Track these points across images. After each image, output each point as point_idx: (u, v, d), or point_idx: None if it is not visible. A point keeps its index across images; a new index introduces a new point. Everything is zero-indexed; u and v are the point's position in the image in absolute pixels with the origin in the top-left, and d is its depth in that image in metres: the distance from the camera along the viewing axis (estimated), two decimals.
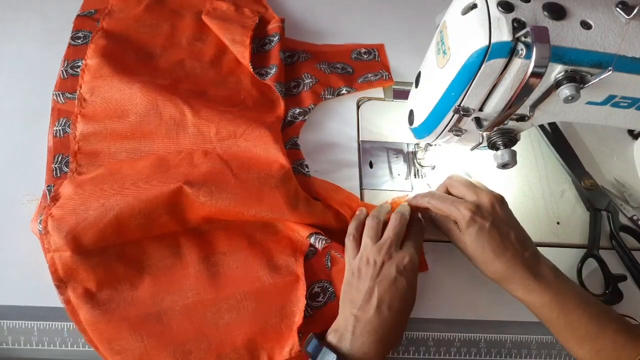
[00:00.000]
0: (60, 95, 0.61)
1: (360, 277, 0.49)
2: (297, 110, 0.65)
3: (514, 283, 0.49)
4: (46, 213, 0.49)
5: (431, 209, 0.53)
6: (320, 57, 0.71)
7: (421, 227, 0.55)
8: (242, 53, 0.66)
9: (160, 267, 0.52)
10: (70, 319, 0.48)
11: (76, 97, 0.59)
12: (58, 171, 0.56)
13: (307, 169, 0.60)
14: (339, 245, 0.54)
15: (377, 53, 0.73)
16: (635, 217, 0.62)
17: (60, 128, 0.59)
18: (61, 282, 0.49)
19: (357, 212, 0.56)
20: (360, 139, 0.65)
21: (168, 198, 0.50)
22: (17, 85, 0.63)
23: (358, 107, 0.68)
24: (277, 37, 0.69)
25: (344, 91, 0.68)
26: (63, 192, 0.51)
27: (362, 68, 0.71)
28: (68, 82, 0.62)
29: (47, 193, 0.52)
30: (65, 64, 0.63)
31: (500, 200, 0.52)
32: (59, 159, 0.57)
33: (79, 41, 0.66)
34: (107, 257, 0.50)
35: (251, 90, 0.65)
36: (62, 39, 0.67)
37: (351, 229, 0.54)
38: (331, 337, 0.47)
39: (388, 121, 0.67)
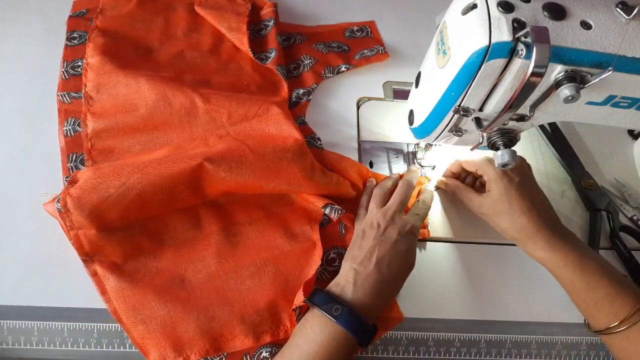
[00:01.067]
0: (66, 95, 0.61)
1: (364, 237, 0.52)
2: (301, 91, 0.67)
3: (540, 241, 0.50)
4: (64, 193, 0.50)
5: (463, 165, 0.58)
6: (316, 38, 0.73)
7: (428, 197, 0.58)
8: (240, 40, 0.67)
9: (182, 239, 0.53)
10: (97, 289, 0.49)
11: (82, 95, 0.60)
12: (74, 169, 0.56)
13: (319, 142, 0.62)
14: (353, 217, 0.56)
15: (369, 30, 0.75)
16: (635, 217, 0.62)
17: (70, 127, 0.59)
18: (87, 257, 0.50)
19: (368, 184, 0.60)
20: (360, 139, 0.65)
21: (189, 174, 0.51)
22: (17, 85, 0.63)
23: (358, 107, 0.68)
24: (272, 22, 0.71)
25: (343, 68, 0.70)
26: (81, 176, 0.52)
27: (357, 45, 0.73)
28: (71, 82, 0.62)
29: (65, 182, 0.52)
30: (65, 65, 0.64)
31: (526, 163, 0.55)
32: (74, 158, 0.57)
33: (75, 41, 0.66)
34: (131, 232, 0.52)
35: (253, 75, 0.67)
36: (62, 39, 0.67)
37: (363, 200, 0.58)
38: (333, 289, 0.49)
39: (388, 121, 0.67)
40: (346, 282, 0.48)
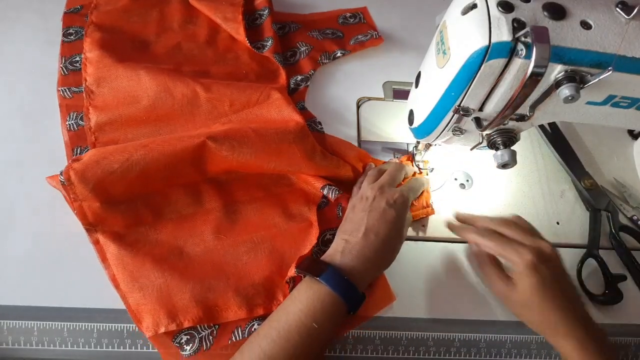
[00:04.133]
0: (67, 90, 0.61)
1: (354, 211, 0.53)
2: (299, 77, 0.67)
3: (572, 340, 0.47)
4: (67, 167, 0.50)
5: (481, 246, 0.51)
6: (310, 25, 0.74)
7: (424, 179, 0.59)
8: (236, 29, 0.67)
9: (183, 214, 0.55)
10: (98, 256, 0.51)
11: (83, 90, 0.60)
12: None
13: (320, 126, 0.63)
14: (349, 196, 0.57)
15: (362, 16, 0.76)
16: (635, 217, 0.62)
17: (72, 122, 0.59)
18: (90, 226, 0.51)
19: (367, 167, 0.60)
20: (360, 139, 0.65)
21: (192, 152, 0.52)
22: (17, 85, 0.63)
23: (358, 107, 0.68)
24: (266, 11, 0.71)
25: (339, 54, 0.71)
26: (85, 155, 0.52)
27: (351, 31, 0.74)
28: (70, 78, 0.63)
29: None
30: (63, 61, 0.64)
31: (557, 253, 0.50)
32: (78, 151, 0.58)
33: (72, 37, 0.66)
34: (133, 204, 0.53)
35: (251, 64, 0.67)
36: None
37: (360, 179, 0.58)
38: (324, 259, 0.49)
39: (388, 121, 0.67)
40: (335, 251, 0.49)
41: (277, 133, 0.55)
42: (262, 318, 0.49)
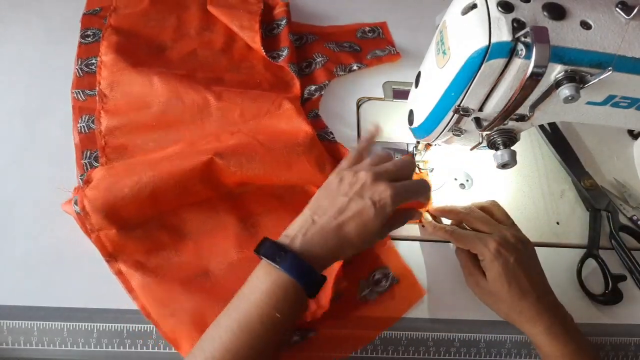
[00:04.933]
0: (80, 92, 0.61)
1: (339, 186, 0.47)
2: (313, 87, 0.67)
3: (540, 326, 0.48)
4: (80, 195, 0.50)
5: (453, 242, 0.53)
6: (328, 37, 0.73)
7: (424, 186, 0.51)
8: (252, 38, 0.67)
9: (201, 232, 0.54)
10: (124, 287, 0.50)
11: (96, 93, 0.60)
12: (88, 166, 0.57)
13: (331, 136, 0.62)
14: None
15: (381, 31, 0.75)
16: (635, 217, 0.62)
17: (84, 124, 0.59)
18: (111, 257, 0.51)
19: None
20: (360, 139, 0.65)
21: (201, 169, 0.52)
22: (17, 85, 0.63)
23: (358, 107, 0.68)
24: (284, 21, 0.71)
25: (355, 67, 0.70)
26: (95, 175, 0.52)
27: (369, 45, 0.73)
28: (85, 80, 0.63)
29: (80, 180, 0.53)
30: (79, 62, 0.64)
31: (523, 239, 0.51)
32: (88, 155, 0.57)
33: (89, 39, 0.67)
34: (149, 228, 0.53)
35: (265, 73, 0.67)
36: (62, 39, 0.67)
37: (359, 144, 0.53)
38: (282, 239, 0.46)
39: (388, 121, 0.67)
40: (298, 231, 0.45)
41: (285, 146, 0.54)
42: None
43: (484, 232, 0.52)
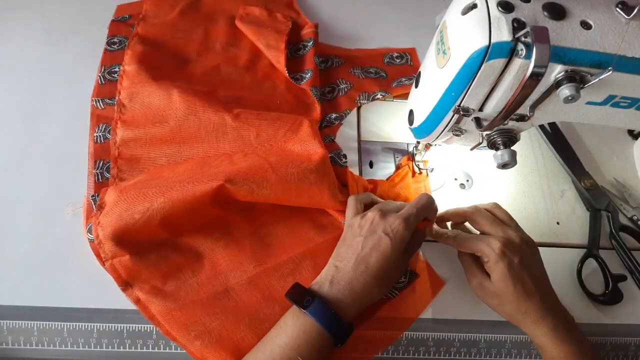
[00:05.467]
0: (100, 101, 0.61)
1: (352, 231, 0.50)
2: (333, 116, 0.66)
3: (544, 327, 0.48)
4: (95, 222, 0.50)
5: (456, 247, 0.53)
6: (353, 61, 0.72)
7: (429, 202, 0.52)
8: (277, 58, 0.66)
9: (215, 249, 0.53)
10: (144, 315, 0.49)
11: (115, 103, 0.60)
12: (100, 177, 0.56)
13: (344, 160, 0.61)
14: None
15: (409, 57, 0.73)
16: (635, 217, 0.62)
17: (100, 134, 0.59)
18: (127, 285, 0.50)
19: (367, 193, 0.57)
20: (360, 139, 0.65)
21: (212, 195, 0.51)
22: (17, 85, 0.63)
23: (358, 107, 0.68)
24: (311, 42, 0.70)
25: (379, 95, 0.68)
26: (108, 199, 0.52)
27: (396, 72, 0.71)
28: (106, 88, 0.62)
29: (93, 202, 0.52)
30: (103, 70, 0.64)
31: (527, 240, 0.51)
32: (100, 165, 0.57)
33: (115, 47, 0.66)
34: (163, 252, 0.52)
35: (287, 95, 0.66)
36: (62, 39, 0.67)
37: (358, 194, 0.56)
38: (312, 286, 0.48)
39: (388, 121, 0.67)
40: (325, 279, 0.48)
41: (298, 172, 0.53)
42: None
43: (488, 232, 0.52)
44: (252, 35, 0.69)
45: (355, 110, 0.67)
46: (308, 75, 0.66)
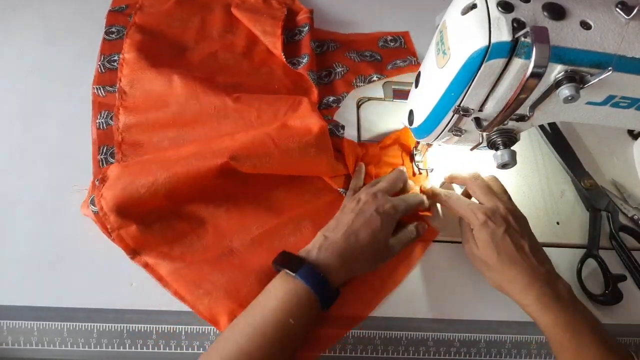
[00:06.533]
0: (101, 88, 0.62)
1: (344, 211, 0.54)
2: (331, 99, 0.67)
3: (530, 296, 0.48)
4: (97, 195, 0.51)
5: (446, 207, 0.55)
6: (349, 46, 0.73)
7: (419, 198, 0.57)
8: (273, 43, 0.67)
9: (217, 215, 0.55)
10: (153, 277, 0.51)
11: (116, 90, 0.61)
12: (104, 162, 0.57)
13: (341, 131, 0.62)
14: None
15: (403, 40, 0.75)
16: (635, 217, 0.62)
17: (102, 120, 0.60)
18: (135, 254, 0.51)
19: (357, 168, 0.60)
20: (360, 139, 0.65)
21: (216, 170, 0.52)
22: (17, 85, 0.63)
23: (358, 107, 0.68)
24: (307, 28, 0.71)
25: (374, 78, 0.69)
26: (110, 173, 0.53)
27: (390, 55, 0.73)
28: (106, 76, 0.63)
29: (97, 183, 0.53)
30: (102, 59, 0.65)
31: (515, 213, 0.52)
32: (104, 150, 0.58)
33: (113, 36, 0.67)
34: (167, 220, 0.53)
35: (284, 80, 0.67)
36: (62, 39, 0.67)
37: (352, 184, 0.59)
38: (301, 253, 0.50)
39: (388, 121, 0.67)
40: (312, 247, 0.50)
41: (299, 148, 0.54)
42: None
43: (480, 201, 0.54)
44: (248, 22, 0.70)
45: (355, 110, 0.67)
46: (305, 60, 0.67)
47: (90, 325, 0.50)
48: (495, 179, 0.57)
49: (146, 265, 0.51)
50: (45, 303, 0.50)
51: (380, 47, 0.74)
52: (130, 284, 0.52)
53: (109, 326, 0.50)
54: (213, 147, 0.55)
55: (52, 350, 0.49)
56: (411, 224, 0.56)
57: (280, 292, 0.46)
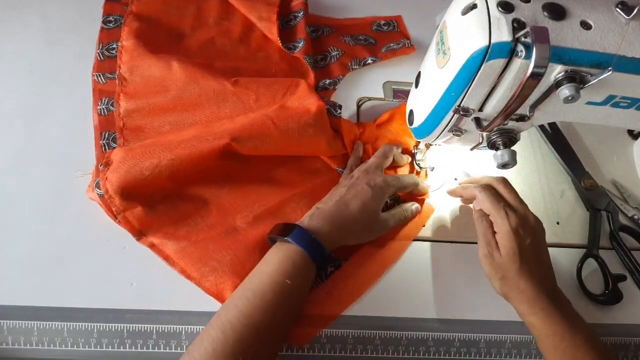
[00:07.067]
0: (101, 75, 0.63)
1: (338, 186, 0.56)
2: (327, 81, 0.68)
3: (535, 307, 0.48)
4: (102, 178, 0.51)
5: (476, 202, 0.55)
6: (344, 30, 0.75)
7: (411, 178, 0.59)
8: (269, 29, 0.68)
9: (220, 195, 0.56)
10: (159, 256, 0.52)
11: (116, 76, 0.62)
12: (106, 147, 0.58)
13: (338, 111, 0.62)
14: None
15: (396, 24, 0.76)
16: (635, 217, 0.62)
17: (103, 107, 0.61)
18: (140, 235, 0.53)
19: (355, 146, 0.62)
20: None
21: (218, 152, 0.54)
22: (17, 85, 0.63)
23: (358, 107, 0.68)
24: (301, 13, 0.72)
25: (369, 60, 0.71)
26: (114, 157, 0.53)
27: (384, 38, 0.74)
28: (105, 64, 0.64)
29: (100, 168, 0.54)
30: (101, 47, 0.66)
31: (540, 223, 0.52)
32: (106, 136, 0.59)
33: (111, 25, 0.68)
34: (171, 202, 0.55)
35: (281, 64, 0.68)
36: (62, 39, 0.67)
37: (350, 162, 0.61)
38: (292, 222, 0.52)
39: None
40: (305, 217, 0.52)
41: (298, 128, 0.56)
42: None
43: (507, 202, 0.53)
44: (244, 9, 0.71)
45: (355, 109, 0.67)
46: (300, 44, 0.68)
47: (90, 325, 0.50)
48: (505, 183, 0.55)
49: (152, 246, 0.52)
50: (45, 303, 0.50)
51: (374, 31, 0.76)
52: (130, 284, 0.52)
53: (109, 326, 0.50)
54: (214, 130, 0.56)
55: (52, 350, 0.49)
56: (408, 203, 0.58)
57: (275, 257, 0.48)
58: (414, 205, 0.58)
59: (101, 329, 0.50)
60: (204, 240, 0.52)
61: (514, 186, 0.55)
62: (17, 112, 0.61)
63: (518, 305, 0.50)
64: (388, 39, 0.74)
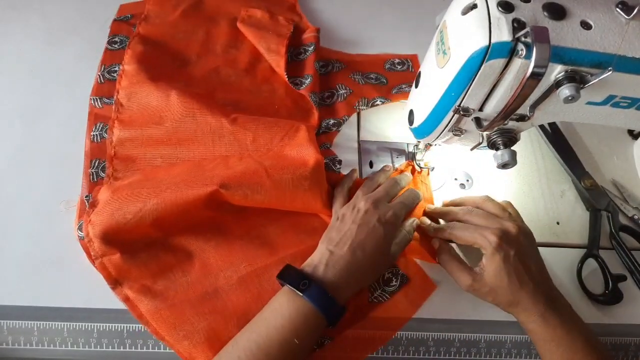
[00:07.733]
0: (98, 100, 0.61)
1: (344, 220, 0.52)
2: (331, 122, 0.65)
3: (534, 314, 0.48)
4: (85, 219, 0.50)
5: (454, 240, 0.54)
6: (354, 67, 0.71)
7: (415, 195, 0.57)
8: (277, 62, 0.66)
9: (206, 249, 0.53)
10: (132, 314, 0.49)
11: (113, 102, 0.60)
12: (95, 176, 0.56)
13: (338, 166, 0.61)
14: None
15: (410, 63, 0.73)
16: (635, 217, 0.62)
17: (97, 133, 0.59)
18: (116, 284, 0.50)
19: (350, 172, 0.59)
20: (360, 139, 0.65)
21: (205, 199, 0.51)
22: (17, 85, 0.63)
23: (358, 114, 0.67)
24: (312, 47, 0.69)
25: (378, 102, 0.67)
26: (100, 197, 0.52)
27: (396, 78, 0.70)
28: (105, 87, 0.62)
29: (86, 202, 0.52)
30: (102, 69, 0.64)
31: (524, 230, 0.52)
32: (96, 164, 0.57)
33: (116, 46, 0.66)
34: (154, 251, 0.52)
35: (285, 100, 0.66)
36: (62, 39, 0.67)
37: (343, 182, 0.58)
38: (306, 268, 0.49)
39: (388, 121, 0.67)
40: (319, 262, 0.48)
41: (292, 179, 0.53)
42: None
43: (482, 225, 0.52)
44: (254, 38, 0.69)
45: (355, 115, 0.67)
46: (307, 81, 0.66)
47: (90, 325, 0.50)
48: (489, 199, 0.55)
49: (127, 300, 0.49)
50: (45, 303, 0.50)
51: (387, 69, 0.72)
52: None
53: (109, 326, 0.50)
54: (205, 173, 0.53)
55: (52, 350, 0.49)
56: (407, 222, 0.55)
57: (287, 310, 0.45)
58: (415, 222, 0.56)
59: (101, 329, 0.50)
60: (181, 302, 0.49)
61: (513, 186, 0.55)
62: (17, 112, 0.61)
63: (517, 315, 0.50)
64: (400, 79, 0.70)
